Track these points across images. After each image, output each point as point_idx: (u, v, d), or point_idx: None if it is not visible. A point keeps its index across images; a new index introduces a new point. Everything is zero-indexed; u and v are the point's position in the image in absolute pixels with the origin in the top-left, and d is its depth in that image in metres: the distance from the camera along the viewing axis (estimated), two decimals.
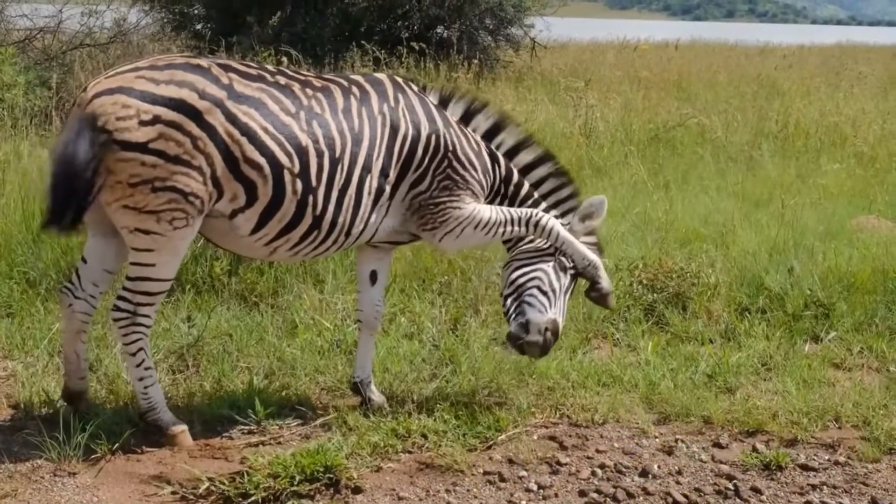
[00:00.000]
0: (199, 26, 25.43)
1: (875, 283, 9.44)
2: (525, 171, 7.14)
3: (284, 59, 15.55)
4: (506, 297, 7.11)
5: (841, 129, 17.11)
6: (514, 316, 6.98)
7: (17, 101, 12.72)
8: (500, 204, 7.05)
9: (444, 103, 6.98)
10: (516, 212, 6.86)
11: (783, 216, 11.11)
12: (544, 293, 6.99)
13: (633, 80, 22.10)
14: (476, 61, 22.46)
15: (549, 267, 7.03)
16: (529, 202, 7.12)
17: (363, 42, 20.53)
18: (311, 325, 8.35)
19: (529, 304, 6.96)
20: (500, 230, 6.84)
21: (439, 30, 25.77)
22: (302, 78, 6.46)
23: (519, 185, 7.11)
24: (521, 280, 7.02)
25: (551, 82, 20.92)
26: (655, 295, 9.09)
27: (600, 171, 13.81)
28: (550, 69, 23.88)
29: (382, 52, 19.59)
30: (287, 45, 19.58)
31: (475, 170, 6.83)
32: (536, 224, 6.81)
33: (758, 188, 13.17)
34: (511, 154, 7.10)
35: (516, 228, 6.85)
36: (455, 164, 6.72)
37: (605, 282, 6.96)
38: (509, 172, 7.07)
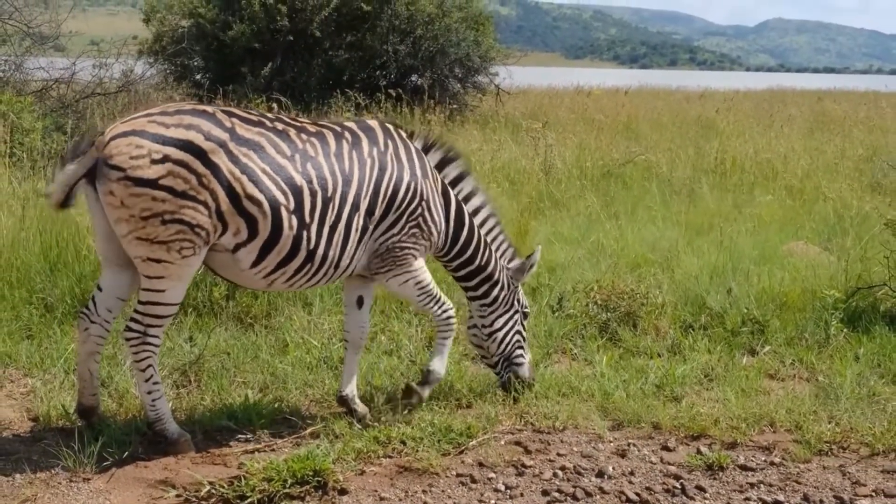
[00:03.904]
0: (198, 76, 25.56)
1: (804, 301, 9.49)
2: (473, 213, 7.32)
3: (275, 105, 15.57)
4: (495, 363, 7.59)
5: (773, 165, 17.25)
6: (507, 373, 7.55)
7: (36, 145, 12.68)
8: (456, 239, 7.19)
9: (426, 150, 7.05)
10: (441, 296, 7.14)
11: (722, 243, 11.16)
12: (522, 347, 7.57)
13: (587, 122, 22.19)
14: (446, 106, 22.59)
15: (519, 325, 7.58)
16: (481, 240, 7.35)
17: (346, 89, 20.63)
18: (300, 344, 8.33)
19: (518, 364, 7.55)
20: (427, 299, 7.06)
21: (414, 78, 25.97)
22: (298, 124, 6.46)
23: (472, 227, 7.27)
24: (506, 347, 7.53)
25: (514, 124, 21.01)
26: (609, 314, 9.12)
27: (558, 203, 13.87)
28: (513, 112, 23.97)
29: (363, 97, 19.68)
30: (278, 92, 19.68)
31: (437, 226, 6.95)
32: (446, 319, 7.12)
33: (699, 218, 13.21)
34: (465, 200, 7.25)
35: (434, 307, 7.11)
36: (426, 213, 6.80)
37: (427, 389, 7.21)
38: (461, 214, 7.19)
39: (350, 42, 24.87)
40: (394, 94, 20.40)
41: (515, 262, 7.58)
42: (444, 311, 7.11)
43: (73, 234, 9.44)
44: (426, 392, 7.10)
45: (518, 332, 7.54)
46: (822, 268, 10.53)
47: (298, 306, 9.12)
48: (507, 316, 7.50)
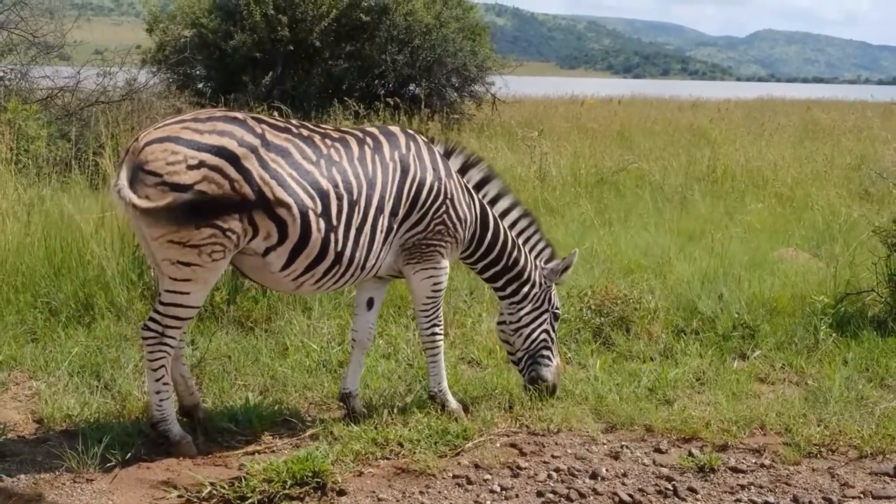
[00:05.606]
0: (200, 85, 25.57)
1: (794, 307, 9.50)
2: (503, 215, 7.32)
3: (275, 113, 15.58)
4: (519, 359, 7.56)
5: (763, 173, 17.28)
6: (530, 371, 7.53)
7: (41, 152, 12.67)
8: (481, 242, 7.21)
9: (447, 155, 7.07)
10: (441, 313, 7.19)
11: (713, 249, 11.17)
12: (549, 349, 7.51)
13: (582, 130, 22.19)
14: (444, 114, 22.61)
15: (548, 325, 7.53)
16: (508, 240, 7.33)
17: (345, 98, 20.61)
18: (300, 348, 8.33)
19: (540, 363, 7.49)
20: (431, 305, 7.11)
21: (411, 87, 25.98)
22: (322, 131, 6.52)
23: (497, 229, 7.25)
24: (531, 343, 7.50)
25: (509, 132, 21.00)
26: (602, 318, 9.12)
27: (553, 210, 13.89)
28: (509, 121, 23.93)
29: (361, 106, 19.67)
30: (278, 101, 19.65)
31: (463, 223, 6.96)
32: (431, 336, 7.17)
33: (691, 224, 13.24)
34: (492, 202, 7.26)
35: (434, 316, 7.14)
36: (451, 211, 6.82)
37: (453, 404, 7.24)
38: (485, 217, 7.18)
39: (349, 52, 24.89)
40: (392, 103, 20.42)
41: (553, 263, 7.57)
42: (433, 328, 7.13)
43: (76, 240, 9.44)
44: (452, 404, 7.17)
45: (545, 331, 7.51)
46: (812, 274, 10.55)
47: (298, 310, 9.12)
48: (535, 313, 7.47)
